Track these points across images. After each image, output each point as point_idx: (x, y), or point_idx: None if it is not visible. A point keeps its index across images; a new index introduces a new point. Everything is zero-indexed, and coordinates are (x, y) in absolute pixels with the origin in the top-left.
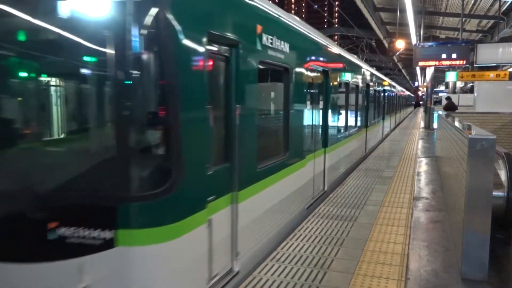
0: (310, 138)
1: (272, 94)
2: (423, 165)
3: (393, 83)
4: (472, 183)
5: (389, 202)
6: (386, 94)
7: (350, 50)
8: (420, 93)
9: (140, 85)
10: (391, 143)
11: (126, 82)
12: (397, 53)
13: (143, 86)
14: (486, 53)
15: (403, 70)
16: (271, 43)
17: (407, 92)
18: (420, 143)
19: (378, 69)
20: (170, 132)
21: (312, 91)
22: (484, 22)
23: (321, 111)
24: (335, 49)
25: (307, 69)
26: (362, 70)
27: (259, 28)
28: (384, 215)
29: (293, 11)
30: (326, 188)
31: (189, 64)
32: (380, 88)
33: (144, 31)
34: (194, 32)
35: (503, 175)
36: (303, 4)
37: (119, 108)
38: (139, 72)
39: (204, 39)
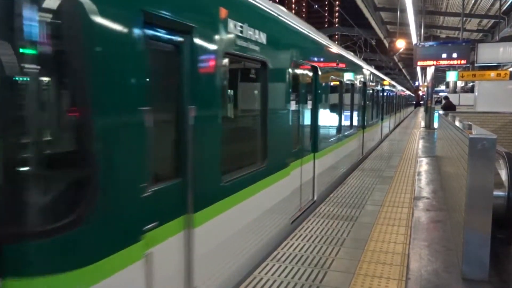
0: (296, 143)
1: (245, 92)
2: (423, 165)
3: (393, 82)
4: (472, 183)
5: (389, 201)
6: (385, 93)
7: (347, 48)
8: (420, 93)
9: (36, 83)
10: (391, 143)
11: (14, 78)
12: (398, 52)
13: (39, 85)
14: (487, 53)
15: (403, 70)
16: (241, 32)
17: (408, 92)
18: (421, 142)
19: (379, 68)
20: (80, 144)
21: (298, 89)
22: (484, 22)
23: (309, 112)
24: (327, 44)
25: (291, 65)
26: (359, 68)
27: (223, 11)
28: (384, 215)
29: (293, 11)
30: (315, 198)
31: (113, 54)
32: (379, 87)
33: (46, 15)
34: (121, 12)
35: (503, 174)
36: (303, 4)
37: (2, 112)
38: (33, 66)
39: (138, 22)
